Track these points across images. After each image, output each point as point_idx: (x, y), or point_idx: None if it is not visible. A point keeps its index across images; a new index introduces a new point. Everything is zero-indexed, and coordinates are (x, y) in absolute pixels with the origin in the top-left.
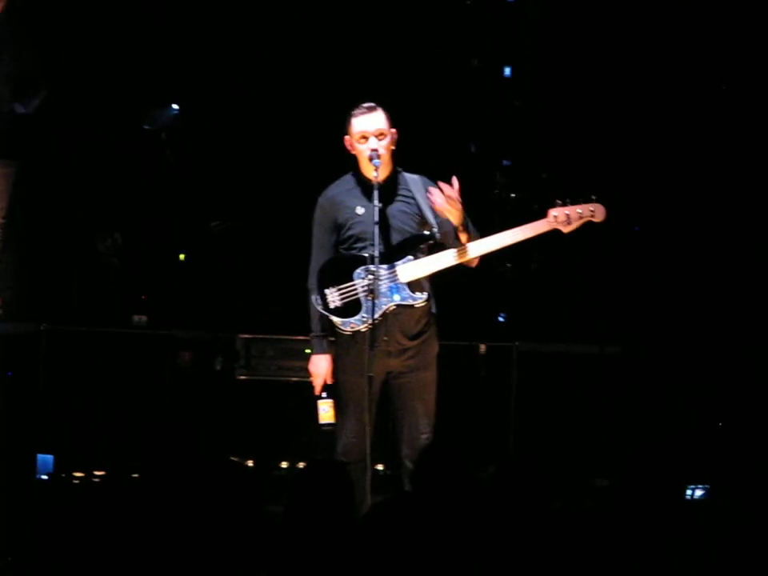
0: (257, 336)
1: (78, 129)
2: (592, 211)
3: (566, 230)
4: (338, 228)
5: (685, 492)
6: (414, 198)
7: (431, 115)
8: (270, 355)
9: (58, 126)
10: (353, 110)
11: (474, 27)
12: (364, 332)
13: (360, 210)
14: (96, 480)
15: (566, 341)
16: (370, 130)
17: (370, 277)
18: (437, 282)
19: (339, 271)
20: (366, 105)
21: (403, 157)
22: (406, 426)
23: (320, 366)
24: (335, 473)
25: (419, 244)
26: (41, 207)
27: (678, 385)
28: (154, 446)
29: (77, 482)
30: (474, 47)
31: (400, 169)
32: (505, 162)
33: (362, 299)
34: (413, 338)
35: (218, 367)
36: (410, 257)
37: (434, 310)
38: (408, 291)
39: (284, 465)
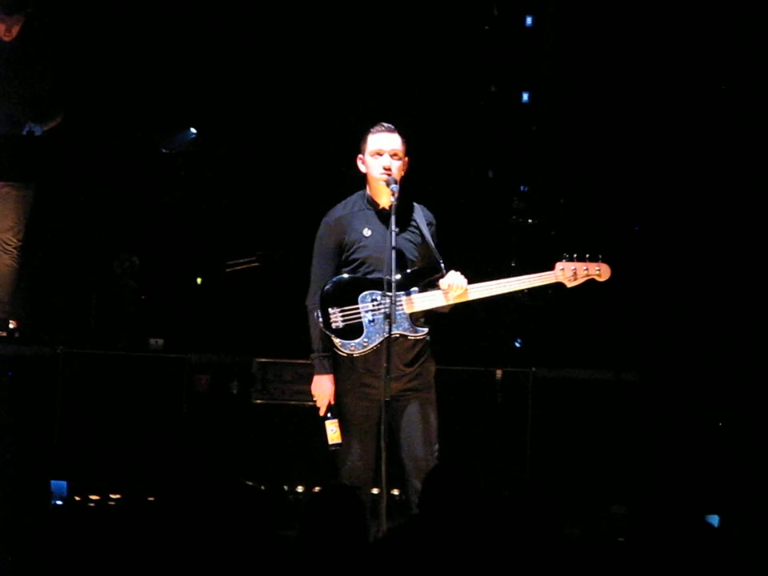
0: (273, 360)
1: (96, 152)
2: (598, 270)
3: (569, 284)
4: (342, 249)
5: (703, 521)
6: (418, 228)
7: (449, 140)
8: (286, 379)
9: (75, 149)
10: (371, 128)
11: (492, 53)
12: (360, 356)
13: (367, 233)
14: (112, 503)
15: (582, 367)
16: (385, 148)
17: (375, 302)
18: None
19: (344, 293)
20: (385, 124)
21: (421, 182)
22: (408, 446)
23: (324, 387)
24: (349, 498)
25: (427, 277)
26: (58, 230)
27: (694, 411)
28: (171, 469)
29: (92, 504)
30: (492, 73)
31: (406, 196)
32: (522, 188)
33: (365, 324)
34: (409, 364)
35: (235, 391)
36: (416, 288)
37: (428, 345)
38: (410, 322)
39: (300, 489)
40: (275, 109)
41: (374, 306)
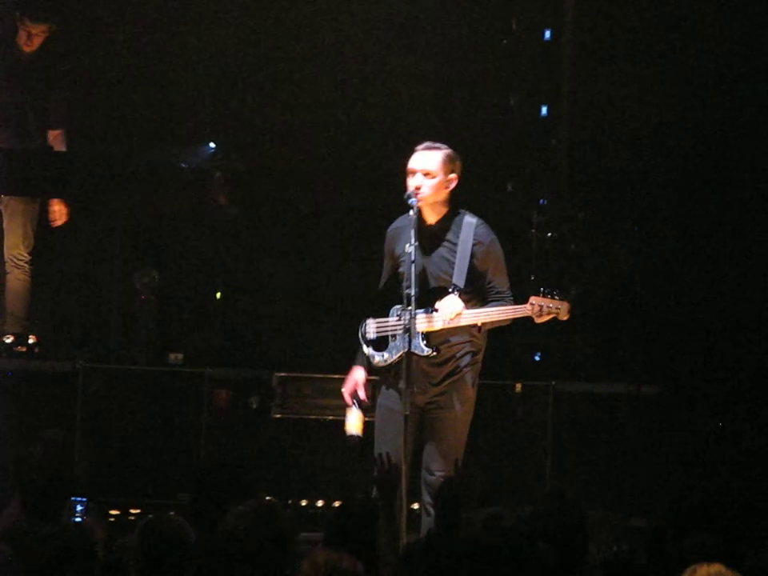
0: (293, 374)
1: (116, 166)
2: (558, 308)
3: (537, 320)
4: (393, 260)
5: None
6: (457, 246)
7: (468, 155)
8: (306, 394)
9: (96, 163)
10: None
11: (510, 66)
12: (395, 367)
13: (408, 249)
14: (132, 518)
15: (602, 380)
16: (417, 167)
17: (397, 318)
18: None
19: (383, 305)
20: (428, 143)
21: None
22: (424, 459)
23: (351, 376)
24: (369, 512)
25: (439, 297)
26: (78, 245)
27: (715, 424)
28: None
29: (112, 519)
30: (511, 86)
31: (463, 212)
32: (542, 201)
33: (389, 337)
34: (436, 383)
35: (254, 405)
36: (429, 308)
37: (467, 361)
38: (419, 341)
39: (319, 503)
40: (295, 122)
41: (395, 321)
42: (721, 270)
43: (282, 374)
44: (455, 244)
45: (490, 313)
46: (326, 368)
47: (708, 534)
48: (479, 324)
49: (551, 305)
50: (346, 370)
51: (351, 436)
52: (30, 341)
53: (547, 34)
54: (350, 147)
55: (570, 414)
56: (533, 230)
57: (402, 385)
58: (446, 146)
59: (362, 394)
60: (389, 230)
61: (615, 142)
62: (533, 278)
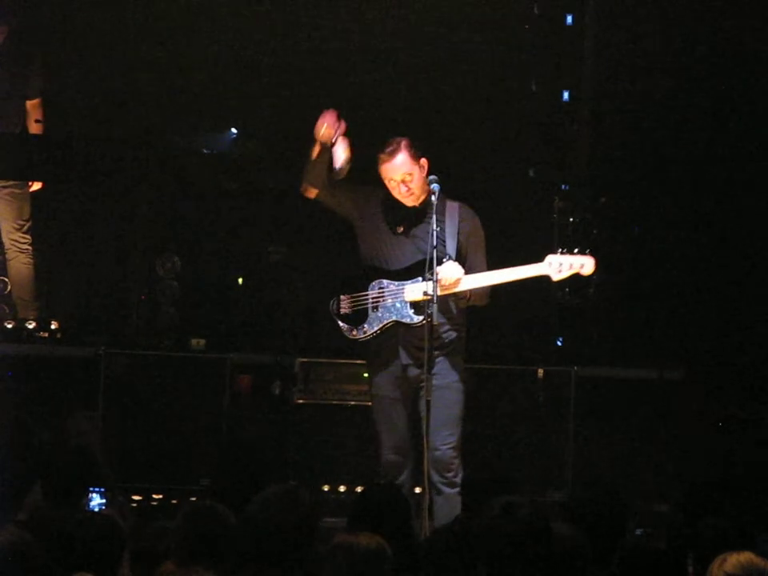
0: (315, 360)
1: (139, 153)
2: (582, 264)
3: (555, 277)
4: (356, 205)
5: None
6: (443, 223)
7: (490, 140)
8: (328, 379)
9: (118, 148)
10: (379, 150)
11: (532, 51)
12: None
13: (399, 229)
14: (154, 503)
15: (624, 365)
16: (395, 177)
17: (379, 289)
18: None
19: (359, 281)
20: (388, 148)
21: (463, 181)
22: (428, 436)
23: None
24: (393, 496)
25: (431, 267)
26: (100, 231)
27: (738, 409)
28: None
29: (135, 505)
30: (533, 71)
31: (436, 189)
32: (564, 187)
33: (369, 310)
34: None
35: (277, 391)
36: (419, 278)
37: (452, 336)
38: (407, 310)
39: (342, 488)
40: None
41: (376, 293)
42: (746, 254)
43: (304, 360)
44: (441, 221)
45: (496, 274)
46: (348, 353)
47: (722, 518)
48: (468, 296)
49: (572, 260)
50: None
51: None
52: (53, 326)
53: (569, 18)
54: (368, 131)
55: (592, 399)
56: (555, 216)
57: (392, 367)
58: (399, 139)
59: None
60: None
61: (637, 127)
62: None
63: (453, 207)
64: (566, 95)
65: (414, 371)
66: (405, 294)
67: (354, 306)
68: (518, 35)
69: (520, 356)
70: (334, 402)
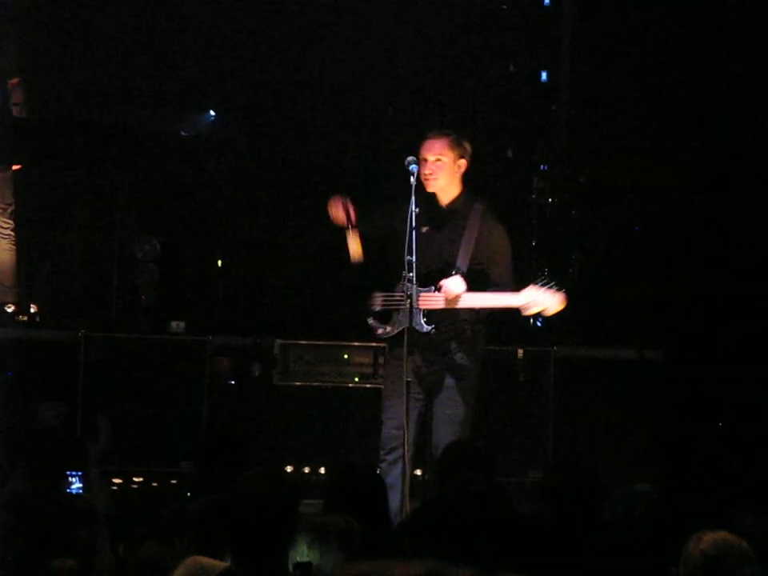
0: (294, 341)
1: (117, 135)
2: (546, 304)
3: (524, 313)
4: (396, 216)
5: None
6: (463, 229)
7: (468, 121)
8: (307, 360)
9: (96, 132)
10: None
11: (510, 32)
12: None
13: (423, 229)
14: (134, 486)
15: (604, 345)
16: (427, 155)
17: (402, 293)
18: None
19: (391, 281)
20: (437, 131)
21: None
22: (432, 431)
23: (336, 198)
24: (368, 477)
25: (441, 277)
26: (79, 214)
27: (717, 389)
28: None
29: (115, 488)
30: (511, 52)
31: (473, 196)
32: (542, 167)
33: (393, 312)
34: (442, 354)
35: (256, 373)
36: (432, 287)
37: (469, 330)
38: (419, 318)
39: (322, 470)
40: (294, 90)
41: (400, 296)
42: (727, 233)
43: (284, 342)
44: (463, 228)
45: (484, 299)
46: (328, 335)
47: (701, 498)
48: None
49: (542, 298)
50: (347, 337)
51: (355, 262)
52: (32, 310)
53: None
54: (349, 113)
55: (572, 379)
56: (533, 196)
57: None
58: (454, 132)
59: (351, 213)
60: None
61: (615, 107)
62: (534, 243)
63: (476, 211)
64: (543, 76)
65: (428, 369)
66: (420, 303)
67: (385, 305)
68: (495, 15)
69: (500, 336)
70: (314, 384)
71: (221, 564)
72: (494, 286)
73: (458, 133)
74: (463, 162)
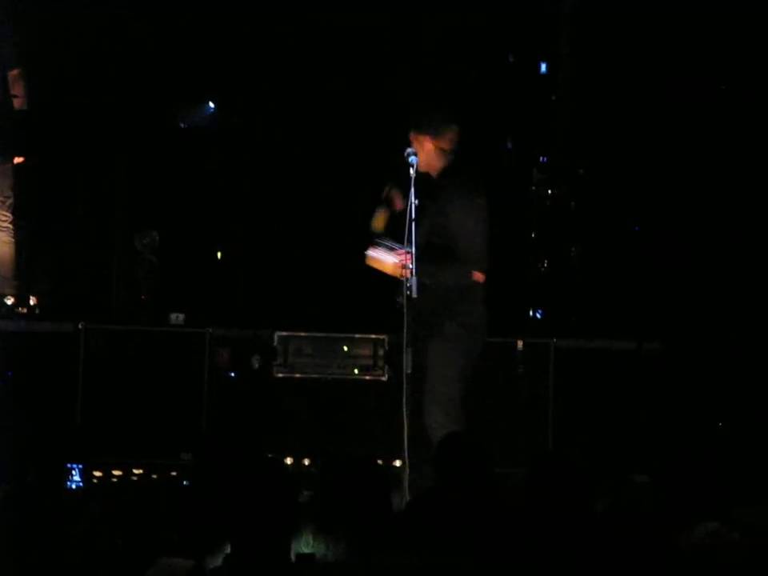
0: (294, 333)
1: (118, 127)
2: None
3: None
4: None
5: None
6: (446, 206)
7: (468, 112)
8: (307, 352)
9: (99, 125)
10: None
11: (510, 23)
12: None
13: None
14: (134, 479)
15: (603, 337)
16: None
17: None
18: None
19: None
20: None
21: None
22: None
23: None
24: (369, 470)
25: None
26: (78, 206)
27: (716, 381)
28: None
29: (115, 480)
30: (510, 43)
31: (458, 172)
32: (542, 159)
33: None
34: (427, 313)
35: (256, 365)
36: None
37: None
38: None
39: (321, 462)
40: (293, 83)
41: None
42: (726, 226)
43: (284, 333)
44: (444, 205)
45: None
46: (328, 327)
47: (699, 490)
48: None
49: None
50: (347, 329)
51: (373, 231)
52: (31, 302)
53: None
54: (349, 105)
55: (571, 371)
56: (533, 187)
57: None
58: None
59: (397, 201)
60: None
61: (615, 98)
62: (533, 235)
63: (453, 185)
64: (543, 67)
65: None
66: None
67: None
68: (494, 6)
69: (499, 328)
70: (314, 376)
71: (189, 562)
72: (455, 261)
73: (424, 111)
74: (425, 138)
